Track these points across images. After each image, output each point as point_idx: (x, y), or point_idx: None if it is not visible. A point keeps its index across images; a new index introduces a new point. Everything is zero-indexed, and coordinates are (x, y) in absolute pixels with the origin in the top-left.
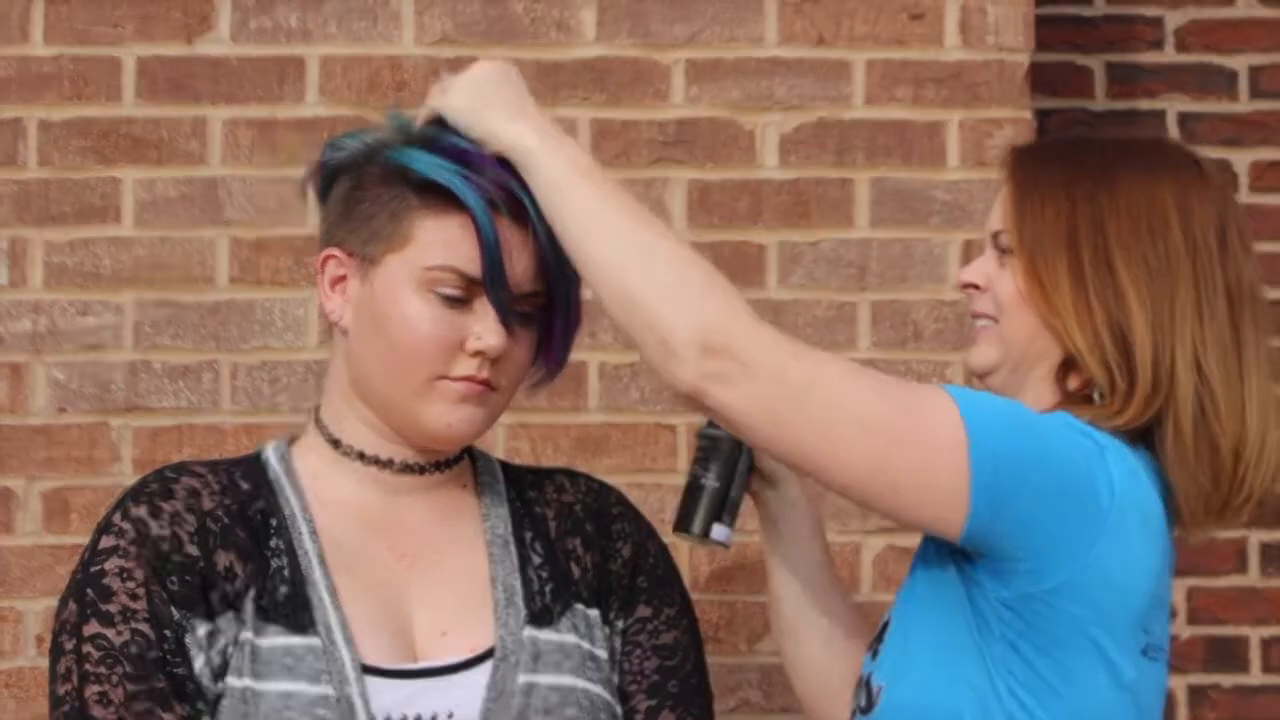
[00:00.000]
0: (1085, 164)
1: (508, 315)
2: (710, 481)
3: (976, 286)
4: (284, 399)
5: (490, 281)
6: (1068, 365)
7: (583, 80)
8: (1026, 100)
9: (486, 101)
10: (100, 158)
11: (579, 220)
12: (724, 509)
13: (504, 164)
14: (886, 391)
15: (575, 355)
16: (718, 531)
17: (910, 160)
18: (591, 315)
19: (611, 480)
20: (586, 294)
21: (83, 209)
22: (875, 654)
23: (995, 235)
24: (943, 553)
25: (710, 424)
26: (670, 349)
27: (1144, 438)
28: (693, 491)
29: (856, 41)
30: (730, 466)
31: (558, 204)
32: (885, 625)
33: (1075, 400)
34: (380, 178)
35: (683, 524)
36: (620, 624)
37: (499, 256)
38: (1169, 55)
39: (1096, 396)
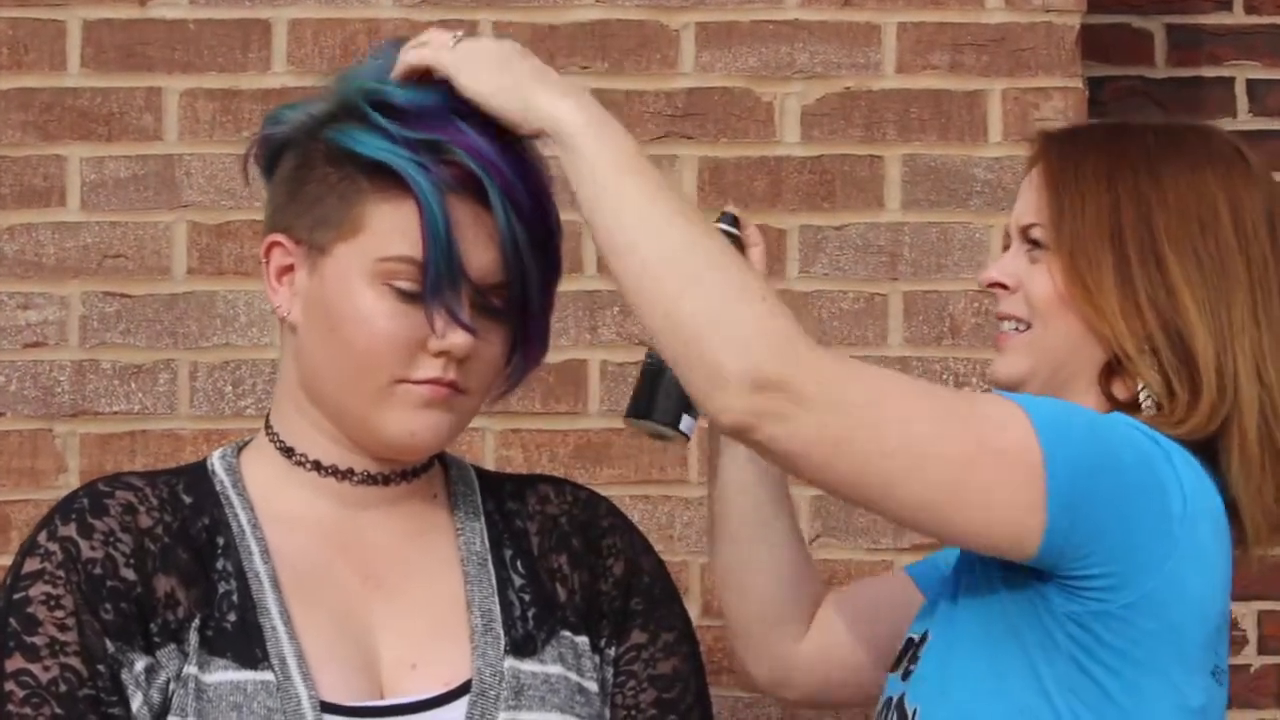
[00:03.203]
0: (1126, 153)
1: (456, 312)
2: None
3: (1004, 286)
4: (249, 402)
5: (432, 281)
6: (1111, 372)
7: (581, 46)
8: (1078, 68)
9: (519, 77)
10: (43, 134)
11: (623, 219)
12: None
13: (476, 138)
14: (954, 408)
15: (574, 353)
16: (687, 423)
17: (947, 135)
18: (593, 308)
19: (615, 492)
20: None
21: (23, 191)
22: (905, 675)
23: (1026, 229)
24: (990, 570)
25: None
26: (717, 380)
27: (1202, 449)
28: (653, 376)
29: (886, 2)
30: None
31: (598, 196)
32: (910, 643)
33: (1126, 410)
34: (327, 156)
35: (642, 411)
36: (612, 652)
37: (447, 250)
38: (1237, 17)
39: (1146, 404)
